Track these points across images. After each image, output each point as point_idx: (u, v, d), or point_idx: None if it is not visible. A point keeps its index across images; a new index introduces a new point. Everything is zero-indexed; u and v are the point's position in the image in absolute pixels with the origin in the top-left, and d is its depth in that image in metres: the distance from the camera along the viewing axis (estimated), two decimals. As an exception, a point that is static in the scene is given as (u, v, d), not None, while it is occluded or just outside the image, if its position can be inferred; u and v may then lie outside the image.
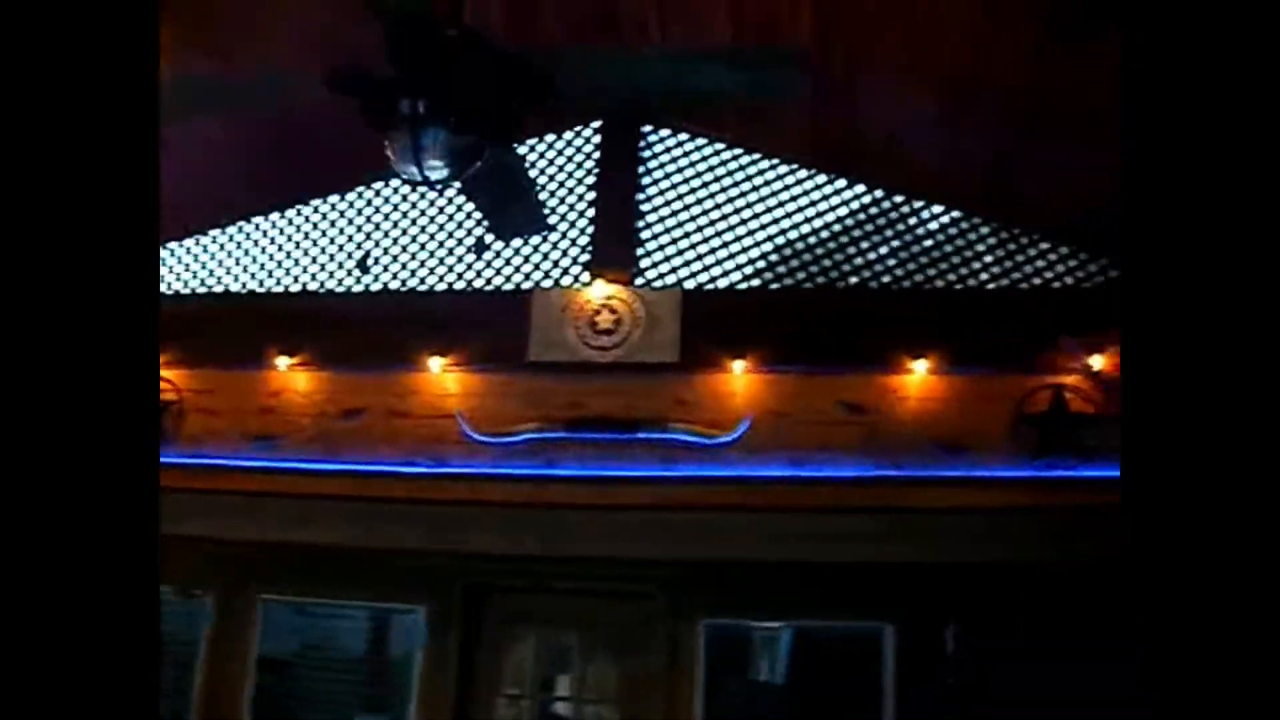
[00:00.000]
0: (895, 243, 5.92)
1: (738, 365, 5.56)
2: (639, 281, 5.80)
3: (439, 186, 3.14)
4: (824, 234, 5.96)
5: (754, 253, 5.95)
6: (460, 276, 5.87)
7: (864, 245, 5.93)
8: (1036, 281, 5.81)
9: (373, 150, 3.11)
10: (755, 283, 5.87)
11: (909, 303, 5.76)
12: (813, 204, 6.03)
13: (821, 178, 6.04)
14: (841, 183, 6.02)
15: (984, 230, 5.90)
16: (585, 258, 5.87)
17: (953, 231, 5.92)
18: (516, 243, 5.80)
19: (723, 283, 5.89)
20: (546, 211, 4.24)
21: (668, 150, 6.12)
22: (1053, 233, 5.82)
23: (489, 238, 5.22)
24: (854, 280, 5.86)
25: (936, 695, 5.62)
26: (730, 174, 6.09)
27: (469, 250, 5.95)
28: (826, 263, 5.90)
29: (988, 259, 5.86)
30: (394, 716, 5.52)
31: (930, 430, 5.51)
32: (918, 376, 5.57)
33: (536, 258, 5.92)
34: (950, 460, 5.47)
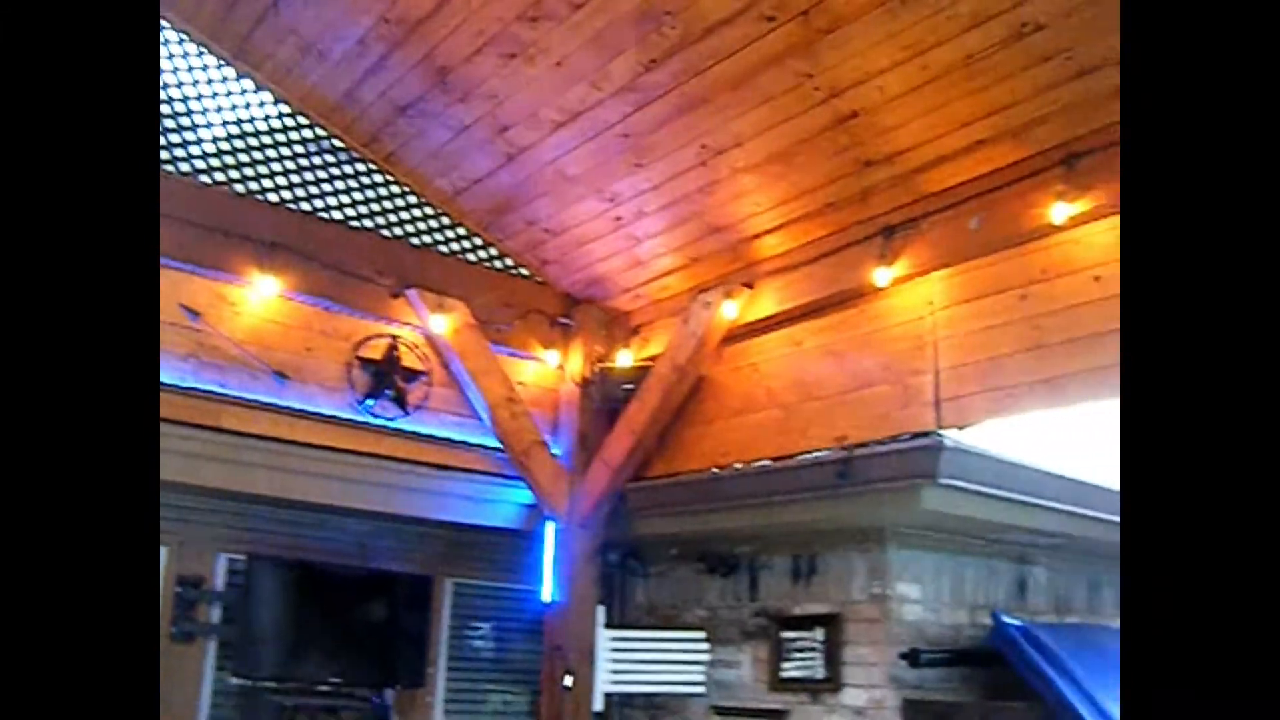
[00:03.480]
0: (270, 153, 5.67)
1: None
2: None
3: None
4: (204, 122, 5.49)
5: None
6: None
7: (237, 145, 5.58)
8: (399, 232, 5.96)
9: None
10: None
11: (269, 216, 5.54)
12: (196, 85, 5.53)
13: (212, 60, 5.57)
14: (231, 72, 5.61)
15: (359, 168, 5.91)
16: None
17: (329, 159, 5.83)
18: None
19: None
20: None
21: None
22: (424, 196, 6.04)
23: None
24: (220, 178, 5.50)
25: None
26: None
27: None
28: (195, 151, 5.46)
29: (358, 197, 5.87)
30: None
31: (266, 352, 5.43)
32: (264, 295, 5.43)
33: None
34: (279, 388, 5.43)
